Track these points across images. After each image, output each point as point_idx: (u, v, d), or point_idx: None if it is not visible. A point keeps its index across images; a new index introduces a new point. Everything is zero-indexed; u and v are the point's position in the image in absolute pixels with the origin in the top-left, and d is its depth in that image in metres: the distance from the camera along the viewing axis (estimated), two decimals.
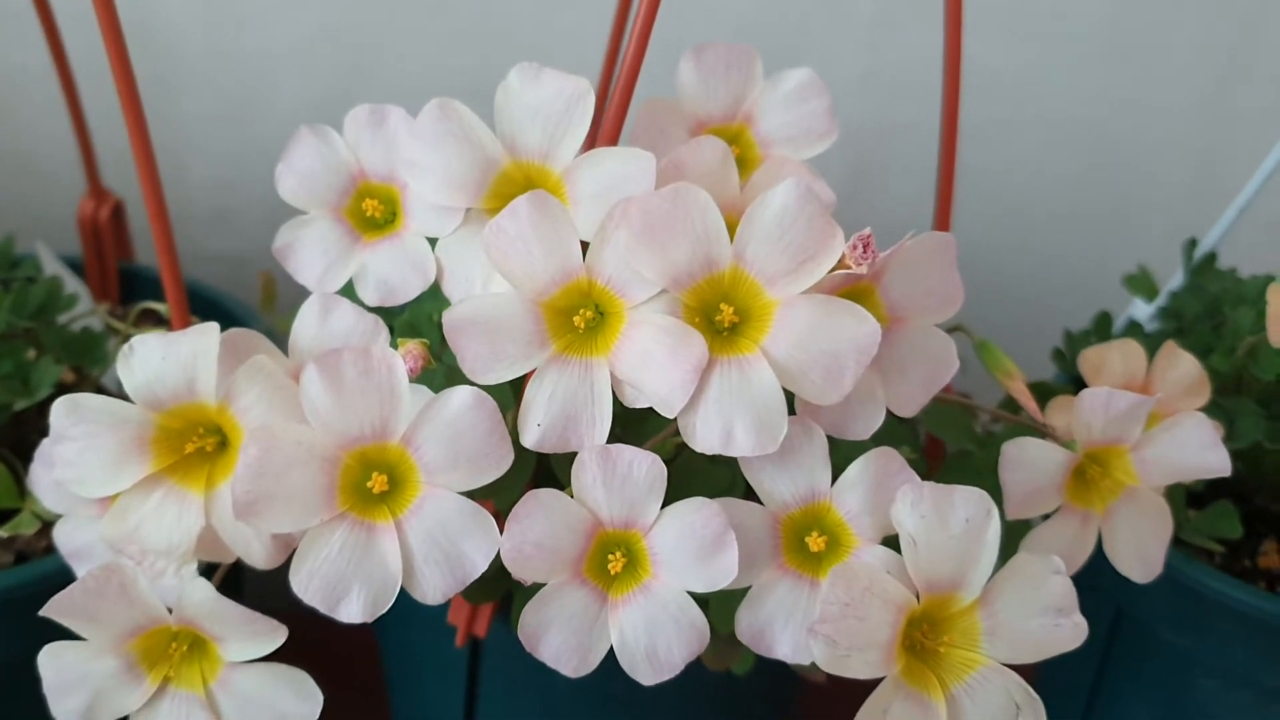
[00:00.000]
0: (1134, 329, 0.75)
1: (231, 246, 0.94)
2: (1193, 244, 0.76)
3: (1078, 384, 0.74)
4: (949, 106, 0.53)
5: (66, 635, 0.49)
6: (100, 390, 0.70)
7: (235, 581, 0.73)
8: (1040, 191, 0.97)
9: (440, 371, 0.54)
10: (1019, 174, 0.95)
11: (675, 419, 0.46)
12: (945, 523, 0.44)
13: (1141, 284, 0.78)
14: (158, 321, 0.77)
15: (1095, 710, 0.73)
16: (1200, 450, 0.52)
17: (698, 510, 0.45)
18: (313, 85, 0.91)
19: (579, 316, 0.47)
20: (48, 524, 0.60)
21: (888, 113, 0.91)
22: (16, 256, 0.76)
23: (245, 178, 0.94)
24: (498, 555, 0.46)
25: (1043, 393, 0.61)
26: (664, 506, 0.46)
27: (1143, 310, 0.77)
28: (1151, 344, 0.63)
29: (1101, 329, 0.76)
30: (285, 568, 0.48)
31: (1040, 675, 0.75)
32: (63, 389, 0.67)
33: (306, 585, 0.45)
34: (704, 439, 0.45)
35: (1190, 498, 0.68)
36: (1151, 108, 0.94)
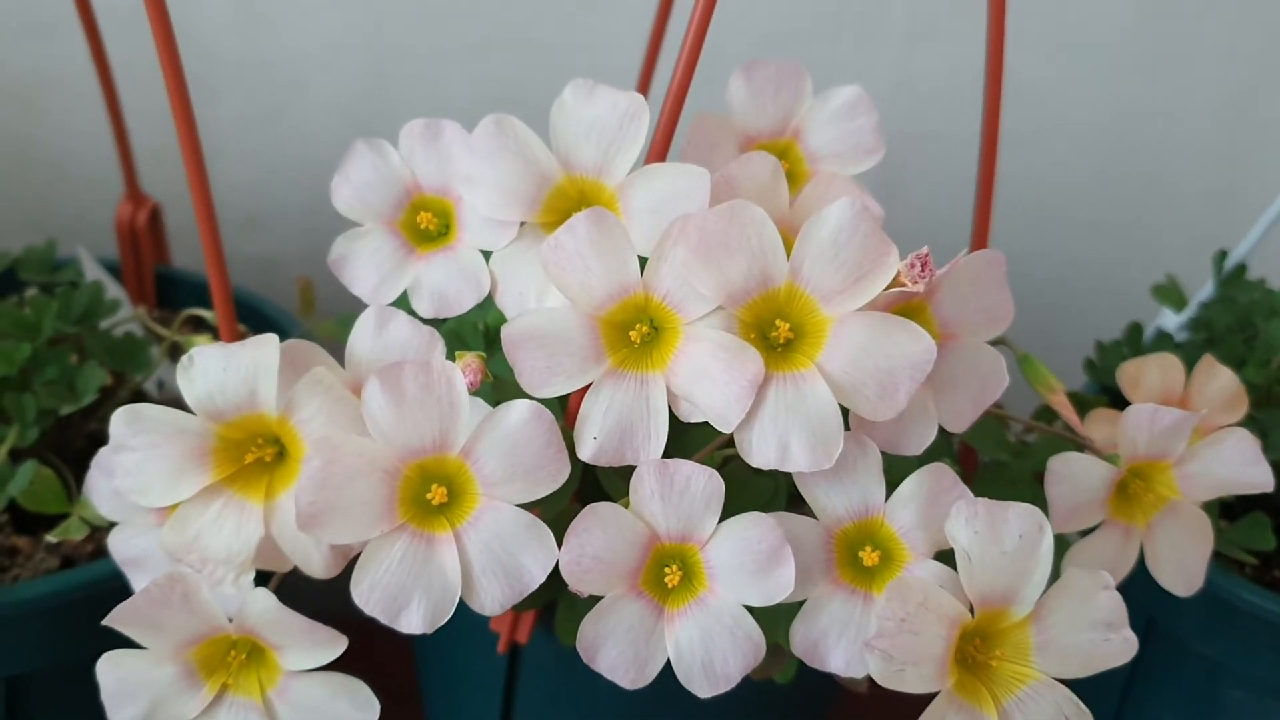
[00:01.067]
0: (1164, 340, 0.76)
1: (264, 250, 0.94)
2: (1223, 255, 0.76)
3: (1109, 394, 0.74)
4: (989, 121, 0.53)
5: (114, 643, 0.49)
6: (141, 395, 0.71)
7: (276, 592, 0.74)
8: (1063, 200, 0.97)
9: (488, 383, 0.54)
10: (1043, 183, 0.95)
11: (722, 432, 0.46)
12: (999, 538, 0.45)
13: (1170, 294, 0.78)
14: (197, 326, 0.77)
15: (1125, 718, 0.73)
16: (1243, 466, 0.53)
17: (754, 525, 0.46)
18: (343, 88, 0.92)
19: (635, 331, 0.47)
20: (95, 529, 0.61)
21: (919, 122, 0.91)
22: (57, 261, 0.77)
23: (277, 181, 0.94)
24: None
25: (1075, 404, 0.62)
26: None
27: (1171, 320, 0.77)
28: (1183, 355, 0.63)
29: (1133, 340, 0.76)
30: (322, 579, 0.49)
31: (1069, 686, 0.75)
32: (103, 394, 0.68)
33: (368, 596, 0.46)
34: (760, 454, 0.45)
35: (1222, 509, 0.68)
36: (1175, 116, 0.94)
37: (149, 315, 0.81)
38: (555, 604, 0.58)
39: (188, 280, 0.84)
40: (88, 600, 0.57)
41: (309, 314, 0.78)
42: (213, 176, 0.93)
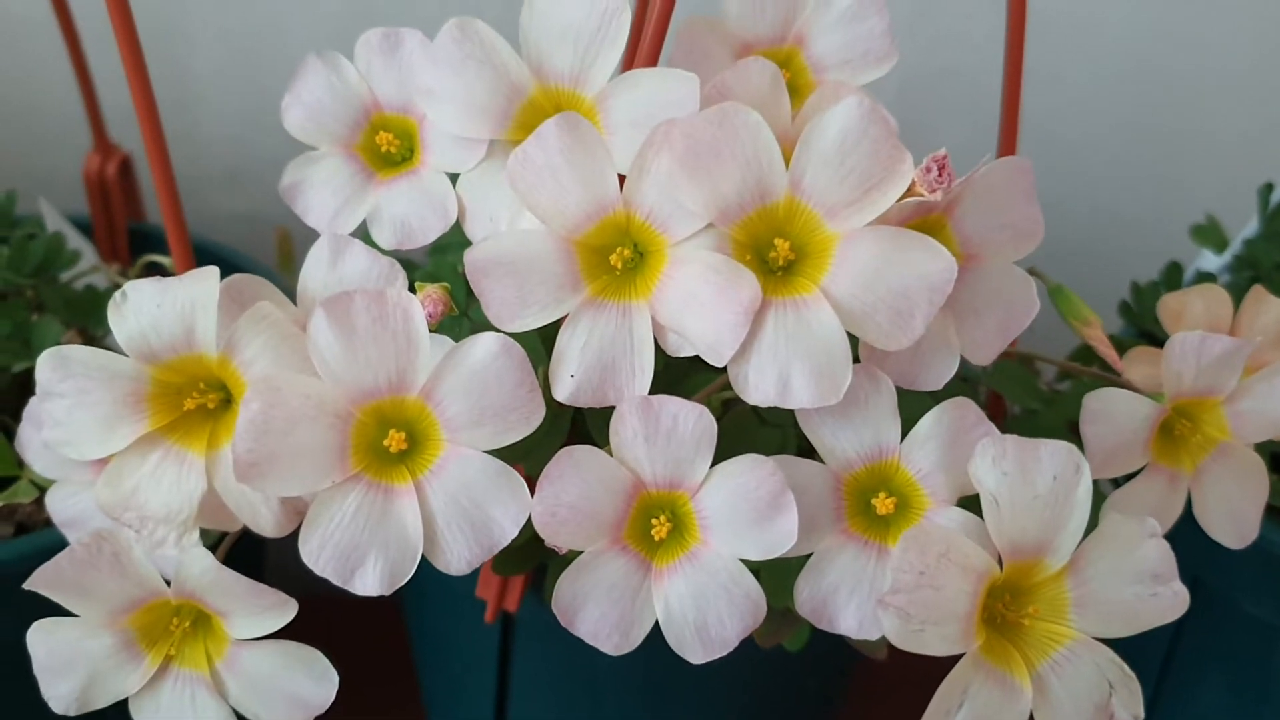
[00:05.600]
0: (1205, 279, 0.71)
1: (247, 206, 0.91)
2: (1269, 188, 0.73)
3: (1146, 338, 0.70)
4: (1014, 27, 0.48)
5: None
6: None
7: (256, 561, 0.70)
8: (1096, 135, 0.93)
9: (465, 326, 0.50)
10: (1074, 117, 0.92)
11: (723, 371, 0.42)
12: (1030, 480, 0.41)
13: (1210, 235, 0.75)
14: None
15: (1167, 686, 0.70)
16: None
17: (752, 469, 0.42)
18: (326, 36, 0.87)
19: (616, 255, 0.43)
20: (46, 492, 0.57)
21: (938, 57, 0.87)
22: (18, 216, 0.73)
23: (259, 134, 0.90)
24: (529, 522, 0.43)
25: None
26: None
27: (1212, 262, 0.75)
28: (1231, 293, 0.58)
29: (1171, 281, 0.72)
30: None
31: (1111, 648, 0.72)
32: None
33: (318, 554, 0.42)
34: (758, 389, 0.41)
35: (1276, 461, 0.64)
36: (1213, 45, 0.90)
37: (122, 273, 0.77)
38: (546, 569, 0.55)
39: (165, 236, 0.80)
40: None
41: (288, 268, 0.75)
42: (192, 129, 0.89)
